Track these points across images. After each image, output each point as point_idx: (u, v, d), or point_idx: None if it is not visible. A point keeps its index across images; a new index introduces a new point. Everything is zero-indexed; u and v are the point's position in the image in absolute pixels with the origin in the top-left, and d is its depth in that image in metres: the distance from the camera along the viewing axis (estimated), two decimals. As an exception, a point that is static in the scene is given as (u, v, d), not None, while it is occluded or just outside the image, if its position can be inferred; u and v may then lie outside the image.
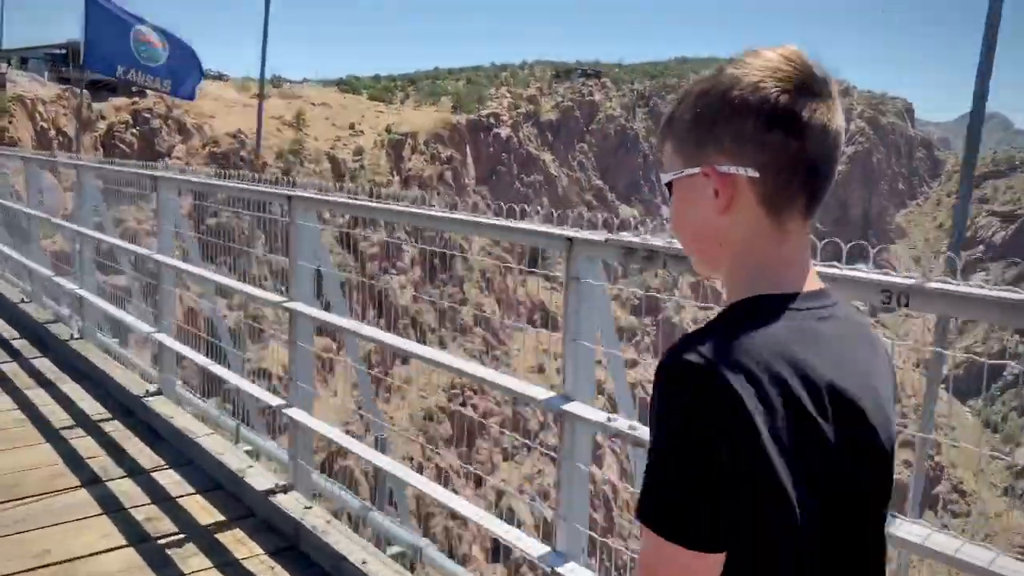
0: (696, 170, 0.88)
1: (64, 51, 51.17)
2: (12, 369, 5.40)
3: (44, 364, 5.56)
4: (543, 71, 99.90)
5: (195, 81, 8.16)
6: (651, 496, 0.79)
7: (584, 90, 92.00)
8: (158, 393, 4.76)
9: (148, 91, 8.02)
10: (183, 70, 7.90)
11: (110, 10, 7.35)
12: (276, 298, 3.74)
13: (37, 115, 34.69)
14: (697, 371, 0.77)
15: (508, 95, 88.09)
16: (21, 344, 6.00)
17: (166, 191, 4.70)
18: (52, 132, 35.25)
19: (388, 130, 69.38)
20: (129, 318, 5.22)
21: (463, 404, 39.67)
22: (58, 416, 4.61)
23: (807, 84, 0.84)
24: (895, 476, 0.95)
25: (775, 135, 0.83)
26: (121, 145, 43.21)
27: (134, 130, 45.82)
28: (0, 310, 6.97)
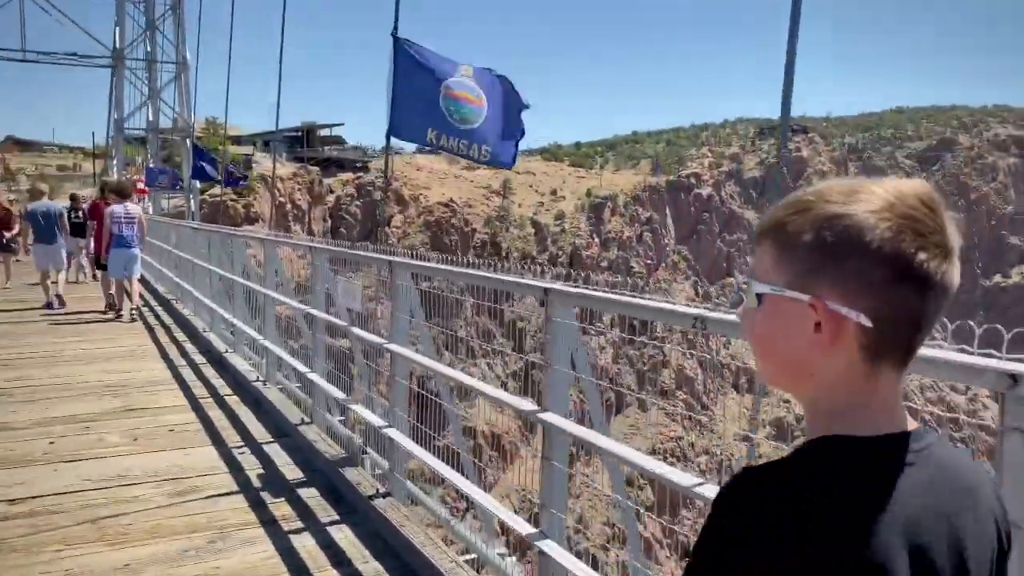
0: (804, 297, 0.80)
1: (299, 133, 56.07)
2: (305, 548, 3.81)
3: (345, 538, 3.92)
4: (746, 128, 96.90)
5: (516, 143, 6.41)
6: None
7: (790, 145, 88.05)
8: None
9: (462, 158, 6.15)
10: (505, 131, 6.30)
11: (422, 64, 5.93)
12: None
13: (276, 191, 37.05)
14: (748, 505, 0.76)
15: (709, 154, 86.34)
16: (310, 496, 4.48)
17: (560, 313, 2.88)
18: (288, 206, 37.52)
19: (588, 193, 69.19)
20: (482, 496, 3.39)
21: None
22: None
23: (942, 242, 0.79)
24: None
25: (901, 291, 0.78)
26: (347, 216, 45.52)
27: (358, 202, 48.33)
28: (277, 431, 5.64)
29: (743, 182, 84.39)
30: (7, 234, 12.93)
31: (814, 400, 0.84)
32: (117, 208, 10.44)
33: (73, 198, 14.90)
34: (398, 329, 4.29)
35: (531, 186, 68.21)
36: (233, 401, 6.53)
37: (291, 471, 4.89)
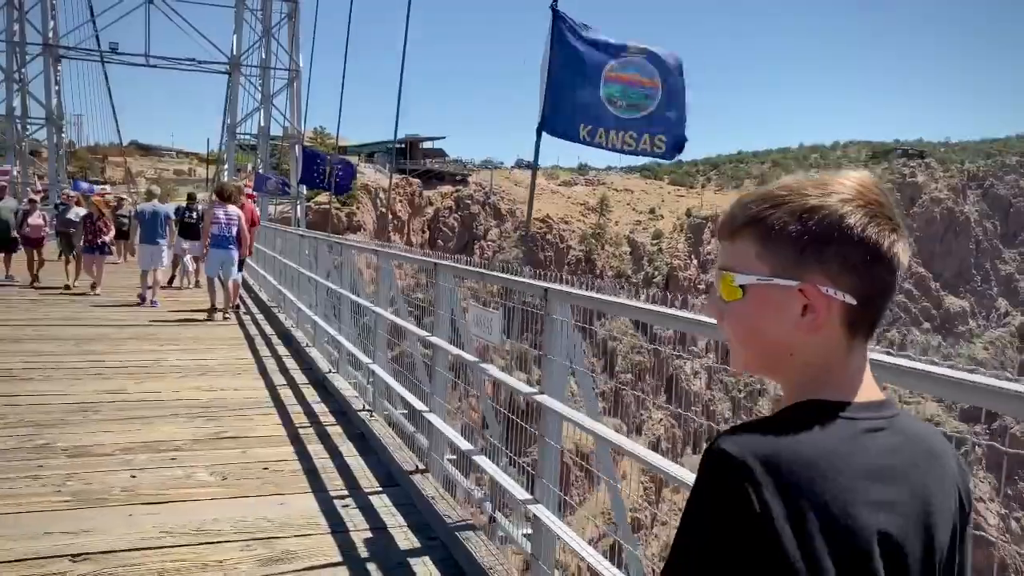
0: (793, 283, 0.86)
1: (402, 145, 56.73)
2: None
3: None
4: (858, 151, 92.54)
5: (682, 129, 5.30)
6: (666, 571, 0.81)
7: (905, 171, 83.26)
8: None
9: (618, 153, 5.11)
10: (676, 120, 5.25)
11: (582, 46, 5.02)
12: None
13: (378, 201, 37.24)
14: (732, 464, 0.77)
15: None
16: (429, 577, 3.56)
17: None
18: (389, 216, 37.63)
19: (688, 213, 67.15)
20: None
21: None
22: None
23: (899, 224, 0.87)
24: None
25: (878, 269, 0.85)
26: (444, 228, 45.46)
27: (456, 215, 48.25)
28: (385, 477, 4.75)
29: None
30: (103, 238, 12.78)
31: (793, 378, 0.88)
32: (218, 210, 10.54)
33: (190, 198, 14.72)
34: (552, 377, 3.31)
35: (628, 204, 66.74)
36: (335, 433, 5.73)
37: (404, 537, 3.98)
